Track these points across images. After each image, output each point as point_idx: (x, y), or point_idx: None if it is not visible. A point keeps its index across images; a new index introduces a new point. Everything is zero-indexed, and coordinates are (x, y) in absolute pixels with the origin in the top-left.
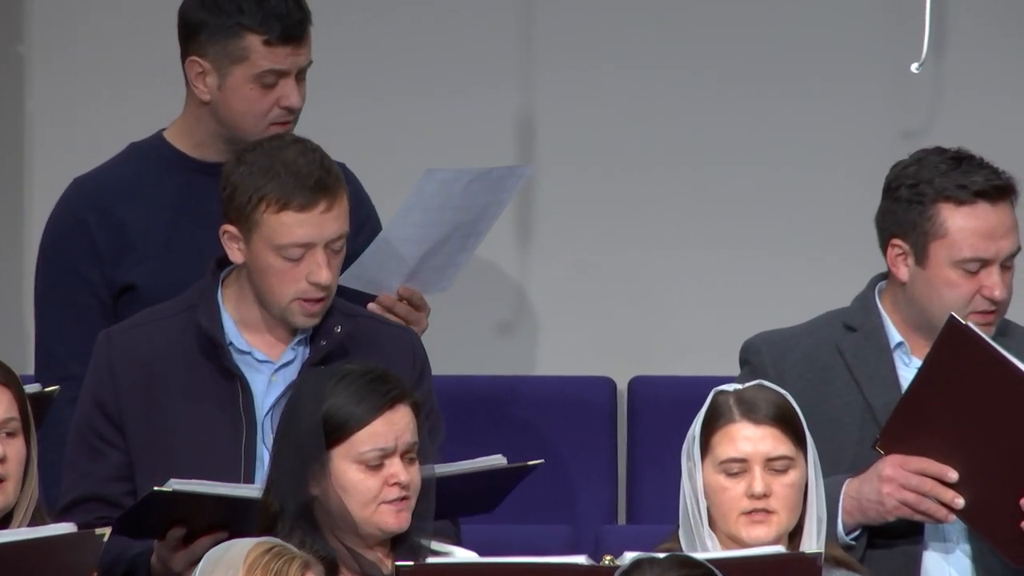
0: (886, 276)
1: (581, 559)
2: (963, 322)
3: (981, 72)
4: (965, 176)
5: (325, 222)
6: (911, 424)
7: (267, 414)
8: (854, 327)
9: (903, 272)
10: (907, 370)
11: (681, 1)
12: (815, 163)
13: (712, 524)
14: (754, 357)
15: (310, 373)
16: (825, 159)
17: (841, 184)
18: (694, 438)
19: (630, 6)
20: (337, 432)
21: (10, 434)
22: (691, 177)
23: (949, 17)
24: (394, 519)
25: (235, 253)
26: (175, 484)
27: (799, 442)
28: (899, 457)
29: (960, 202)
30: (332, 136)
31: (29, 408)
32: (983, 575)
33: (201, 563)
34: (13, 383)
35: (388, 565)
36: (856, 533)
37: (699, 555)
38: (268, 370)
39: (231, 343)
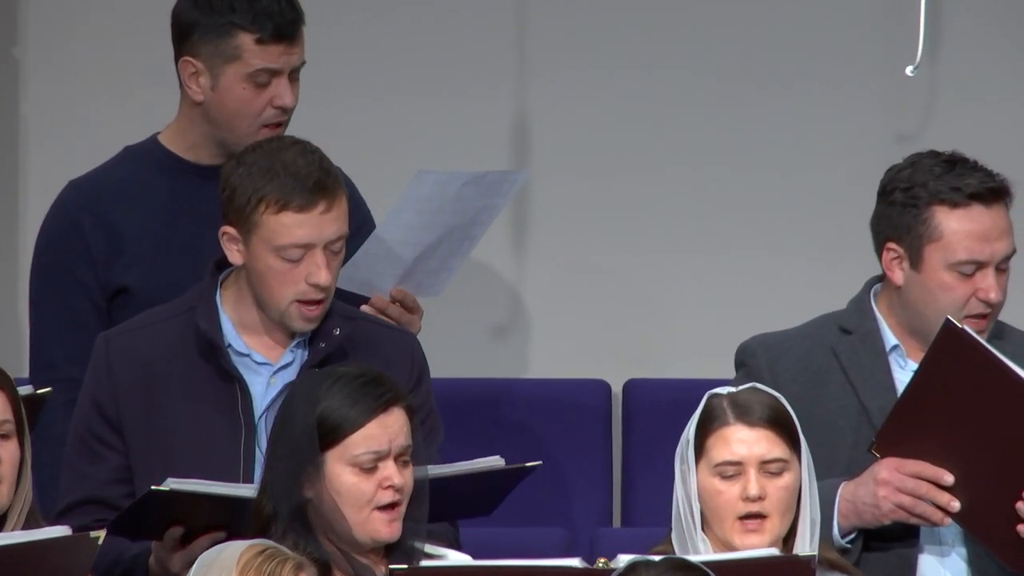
0: (881, 279)
1: (575, 562)
2: (959, 326)
3: (976, 75)
4: (959, 179)
5: (324, 223)
6: (907, 427)
7: (262, 415)
8: (849, 330)
9: (898, 275)
10: (902, 373)
11: (676, 4)
12: (810, 166)
13: (705, 527)
14: (750, 360)
15: (304, 375)
16: (820, 162)
17: (836, 187)
18: (688, 441)
19: (625, 9)
20: (331, 435)
21: (3, 436)
22: (686, 180)
23: (944, 20)
24: (387, 528)
25: (234, 255)
26: (172, 483)
27: (793, 445)
28: (895, 460)
29: (954, 205)
30: (327, 138)
31: (23, 410)
32: None
33: (194, 566)
34: (6, 385)
35: (382, 568)
36: (852, 536)
37: (694, 557)
38: (267, 372)
39: (230, 345)
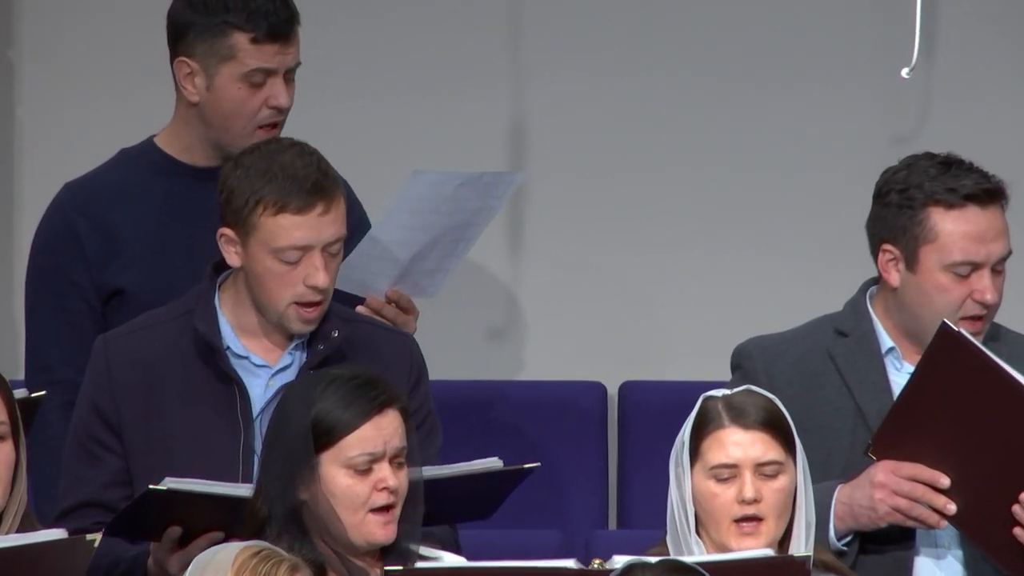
0: (877, 281)
1: (570, 563)
2: (955, 329)
3: (971, 77)
4: (955, 180)
5: (322, 225)
6: (903, 430)
7: (257, 416)
8: (845, 332)
9: (894, 277)
10: (898, 375)
11: (672, 5)
12: (806, 168)
13: (700, 530)
14: (745, 362)
15: (299, 378)
16: (815, 164)
17: (832, 189)
18: (683, 444)
19: (621, 10)
20: (326, 437)
21: None
22: (682, 182)
23: (939, 22)
24: (382, 531)
25: (232, 257)
26: (170, 482)
27: (788, 447)
28: (891, 463)
29: (950, 206)
30: (322, 139)
31: (18, 412)
32: None
33: (190, 567)
34: (2, 387)
35: (376, 570)
36: (848, 539)
37: (689, 558)
38: (265, 374)
39: (228, 347)
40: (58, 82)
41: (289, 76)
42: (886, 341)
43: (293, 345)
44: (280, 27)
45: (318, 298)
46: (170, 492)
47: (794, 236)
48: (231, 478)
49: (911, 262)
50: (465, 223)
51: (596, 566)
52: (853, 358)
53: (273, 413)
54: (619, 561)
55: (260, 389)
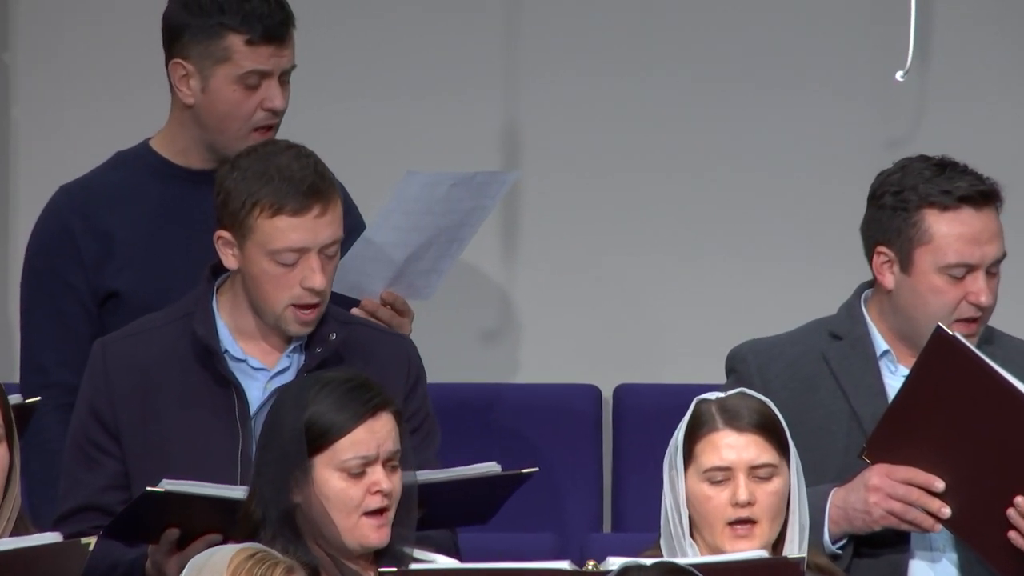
0: (872, 284)
1: (564, 564)
2: (950, 332)
3: (966, 80)
4: (949, 182)
5: (319, 227)
6: (898, 433)
7: (252, 418)
8: (840, 335)
9: (888, 280)
10: (893, 379)
11: (667, 8)
12: (800, 171)
13: (695, 533)
14: (740, 365)
15: (292, 381)
16: (810, 167)
17: (826, 192)
18: (677, 447)
19: (616, 12)
20: (319, 440)
21: None
22: (676, 184)
23: (934, 26)
24: (375, 534)
25: (229, 259)
26: (167, 484)
27: (782, 450)
28: (885, 466)
29: (945, 207)
30: (318, 141)
31: (12, 416)
32: None
33: (185, 569)
34: None
35: (370, 573)
36: (842, 542)
37: (684, 561)
38: (263, 378)
39: (226, 351)
40: (54, 84)
41: (284, 78)
42: (881, 344)
43: (291, 348)
44: (275, 29)
45: (315, 300)
46: (167, 494)
47: (789, 239)
48: (229, 481)
49: (906, 264)
50: (459, 223)
51: (590, 568)
52: (848, 361)
53: (267, 416)
54: (613, 563)
55: (258, 392)
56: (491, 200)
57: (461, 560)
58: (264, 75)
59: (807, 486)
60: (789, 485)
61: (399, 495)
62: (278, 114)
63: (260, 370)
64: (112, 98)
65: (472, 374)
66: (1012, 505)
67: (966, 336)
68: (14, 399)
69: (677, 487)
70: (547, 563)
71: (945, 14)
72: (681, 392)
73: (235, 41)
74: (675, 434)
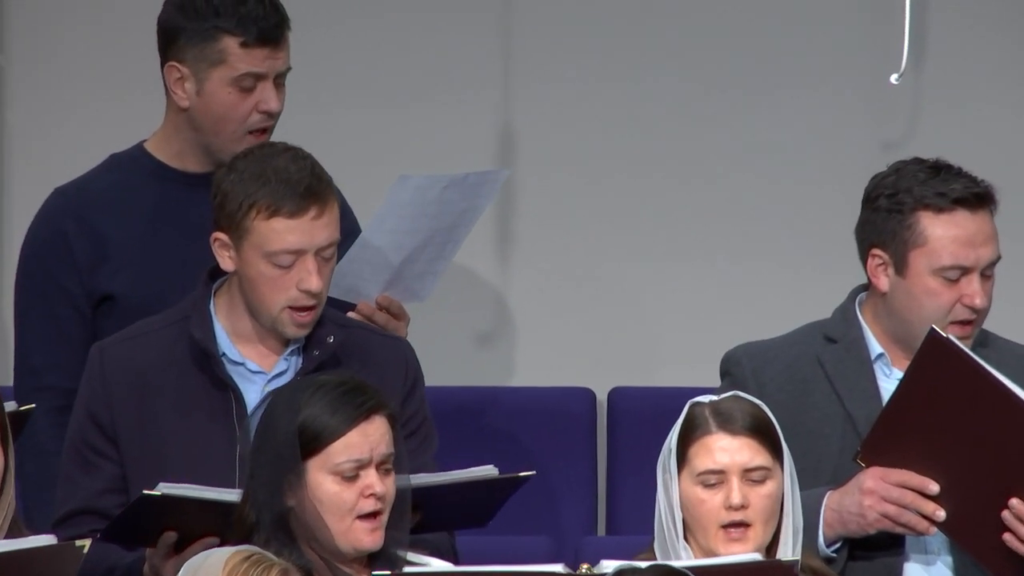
0: (866, 288)
1: (558, 568)
2: (944, 335)
3: (960, 83)
4: (944, 184)
5: (315, 229)
6: (892, 436)
7: (248, 422)
8: (835, 339)
9: (883, 282)
10: (888, 382)
11: (662, 11)
12: (795, 174)
13: (688, 536)
14: (735, 368)
15: (285, 384)
16: (805, 170)
17: (821, 195)
18: (670, 450)
19: (611, 16)
20: (312, 443)
21: None
22: (671, 188)
23: (928, 28)
24: (369, 538)
25: (226, 261)
26: (164, 488)
27: (775, 452)
28: (880, 469)
29: (939, 210)
30: (312, 144)
31: (7, 419)
32: None
33: (181, 572)
34: None
35: None
36: (837, 545)
37: (678, 563)
38: (261, 381)
39: (224, 354)
40: (48, 87)
41: (279, 81)
42: (875, 347)
43: (289, 351)
44: (270, 32)
45: (312, 302)
46: (164, 497)
47: (784, 242)
48: (227, 484)
49: (900, 267)
50: (453, 224)
51: (584, 571)
52: (842, 364)
53: (260, 419)
54: (607, 566)
55: (256, 395)
56: (484, 200)
57: (459, 563)
58: (259, 78)
59: (802, 489)
60: (782, 488)
61: (393, 498)
62: (273, 116)
63: (258, 373)
64: (107, 101)
65: (467, 377)
66: (1007, 508)
67: (960, 339)
68: (9, 406)
69: (671, 490)
70: (541, 566)
71: (939, 17)
72: (676, 395)
73: (230, 44)
74: (669, 437)
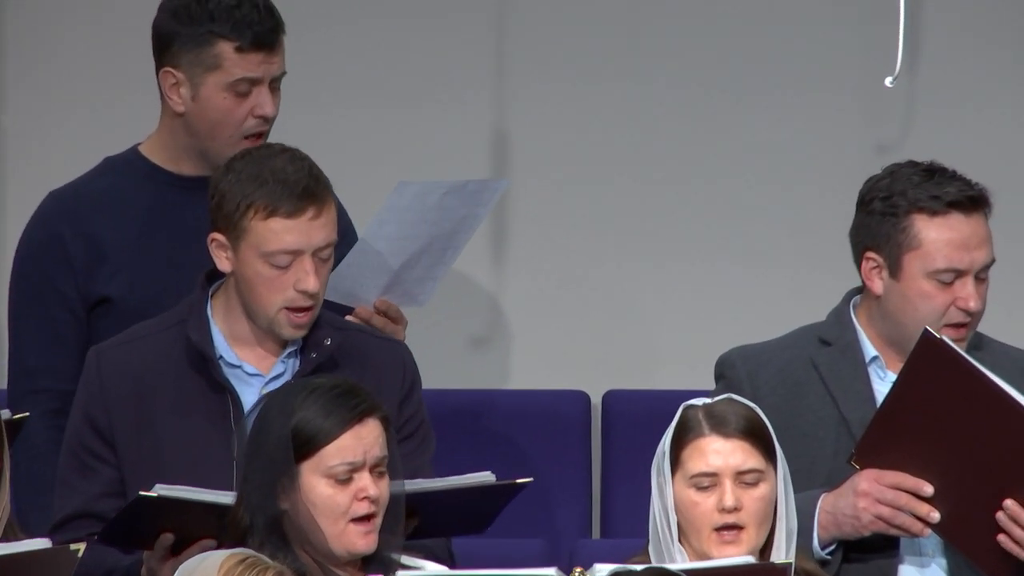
0: (861, 291)
1: (552, 571)
2: (937, 336)
3: (955, 86)
4: (938, 187)
5: (313, 229)
6: (886, 438)
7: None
8: (829, 341)
9: (877, 285)
10: (882, 384)
11: (656, 14)
12: (790, 177)
13: (682, 538)
14: (729, 371)
15: (279, 387)
16: (799, 173)
17: (816, 198)
18: (664, 453)
19: (605, 19)
20: (306, 446)
21: None
22: (666, 191)
23: (923, 31)
24: (362, 541)
25: (223, 262)
26: (161, 489)
27: (769, 455)
28: (874, 471)
29: (933, 213)
30: (307, 147)
31: (2, 424)
32: None
33: (176, 574)
34: None
35: None
36: (832, 548)
37: (673, 566)
38: (258, 383)
39: (221, 357)
40: (44, 91)
41: (275, 85)
42: (870, 350)
43: (286, 353)
44: (265, 36)
45: (309, 303)
46: (160, 499)
47: (778, 245)
48: (225, 487)
49: (895, 270)
50: (452, 231)
51: (578, 574)
52: (837, 367)
53: (254, 422)
54: (600, 569)
55: (253, 398)
56: (483, 208)
57: (455, 567)
58: (254, 82)
59: (796, 491)
60: (776, 490)
61: (387, 501)
62: (269, 121)
63: (255, 376)
64: (102, 105)
65: (461, 380)
66: (1001, 508)
67: (955, 341)
68: (3, 414)
69: (665, 493)
70: (535, 570)
71: (934, 20)
72: (670, 398)
73: (225, 49)
74: (662, 440)
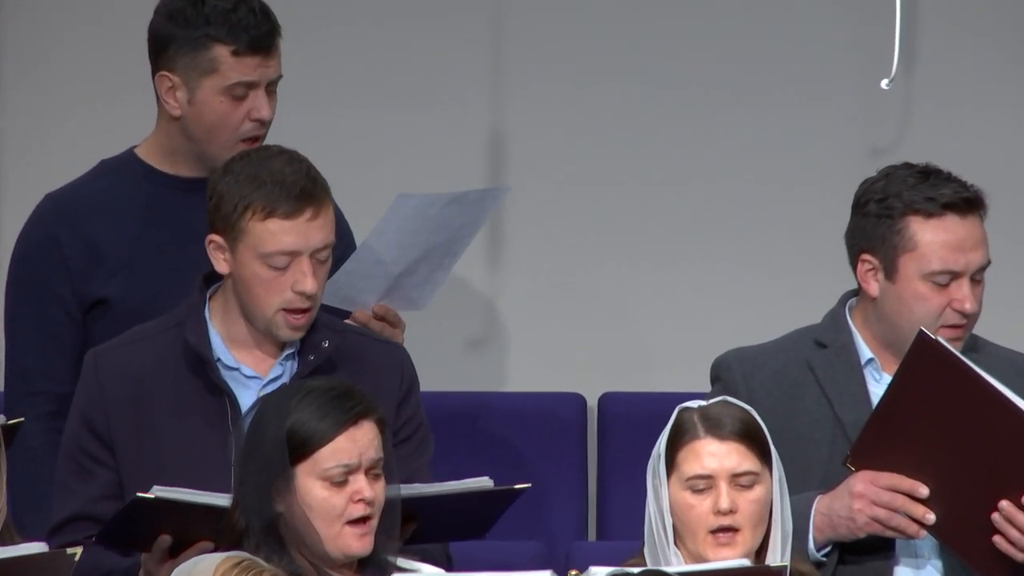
0: (857, 293)
1: (547, 574)
2: (932, 337)
3: (951, 88)
4: (933, 189)
5: (311, 230)
6: (881, 440)
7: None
8: (825, 344)
9: (873, 287)
10: (878, 386)
11: (652, 17)
12: (785, 179)
13: (678, 541)
14: (725, 374)
15: (275, 389)
16: (795, 175)
17: (812, 200)
18: (659, 456)
19: (602, 21)
20: (301, 448)
21: None
22: (661, 193)
23: (919, 34)
24: (358, 543)
25: (221, 264)
26: (158, 491)
27: (764, 457)
28: (870, 473)
29: (929, 215)
30: (303, 150)
31: None
32: None
33: None
34: None
35: None
36: (827, 550)
37: (669, 569)
38: (256, 386)
39: (219, 359)
40: (40, 94)
41: (271, 88)
42: (865, 352)
43: (284, 356)
44: (261, 39)
45: (306, 305)
46: (157, 500)
47: (774, 247)
48: (223, 489)
49: (890, 271)
50: (451, 238)
51: None
52: (832, 369)
53: (249, 425)
54: (596, 572)
55: (251, 400)
56: (484, 214)
57: (453, 570)
58: (251, 86)
59: (792, 493)
60: (771, 493)
61: (382, 503)
62: (265, 124)
63: (253, 378)
64: (98, 107)
65: (457, 383)
66: (996, 510)
67: (951, 342)
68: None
69: (660, 495)
70: (530, 572)
71: (930, 22)
72: (666, 400)
73: (221, 52)
74: (658, 442)
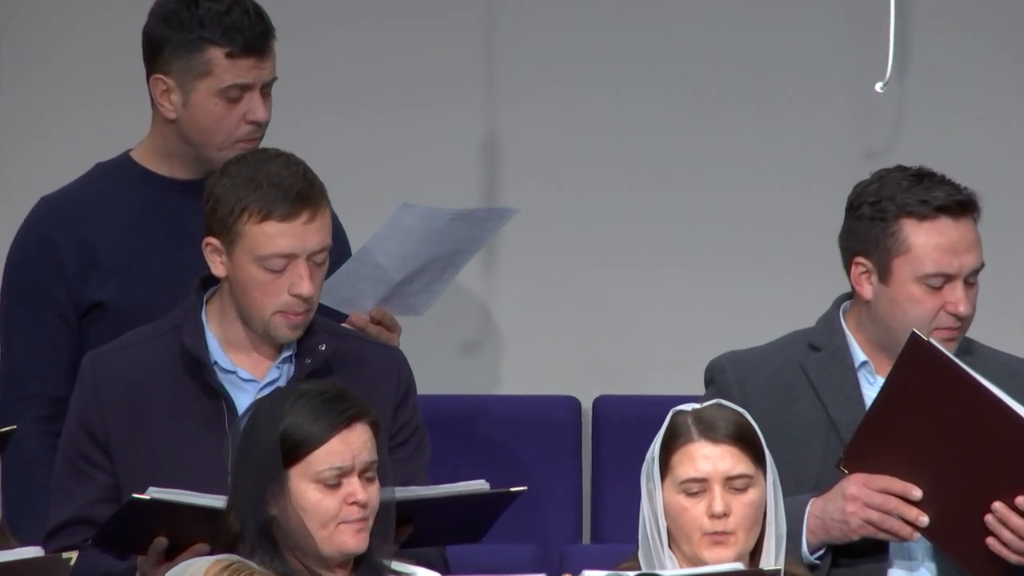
0: (850, 296)
1: None
2: (925, 339)
3: (944, 91)
4: (927, 192)
5: (307, 233)
6: (875, 442)
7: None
8: (818, 347)
9: (867, 290)
10: (871, 389)
11: (647, 21)
12: (779, 182)
13: (672, 544)
14: (719, 377)
15: (268, 393)
16: (789, 178)
17: (806, 203)
18: (653, 459)
19: (596, 25)
20: (294, 451)
21: None
22: (656, 196)
23: (913, 37)
24: (353, 540)
25: (217, 266)
26: (154, 492)
27: (758, 460)
28: (863, 476)
29: (922, 217)
30: (298, 152)
31: None
32: None
33: None
34: None
35: None
36: (820, 552)
37: (663, 572)
38: (253, 389)
39: (216, 362)
40: (36, 97)
41: (266, 91)
42: (859, 355)
43: (281, 359)
44: (256, 41)
45: (303, 307)
46: (153, 502)
47: (767, 250)
48: (220, 493)
49: (884, 274)
50: (454, 251)
51: None
52: (826, 372)
53: (243, 428)
54: None
55: (247, 403)
56: (489, 233)
57: (449, 573)
58: (245, 88)
59: (786, 496)
60: (765, 496)
61: (376, 506)
62: (261, 126)
63: (250, 381)
64: (95, 110)
65: (452, 386)
66: (990, 511)
67: (944, 345)
68: None
69: (654, 499)
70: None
71: (924, 25)
72: (660, 403)
73: (216, 55)
74: (652, 446)
